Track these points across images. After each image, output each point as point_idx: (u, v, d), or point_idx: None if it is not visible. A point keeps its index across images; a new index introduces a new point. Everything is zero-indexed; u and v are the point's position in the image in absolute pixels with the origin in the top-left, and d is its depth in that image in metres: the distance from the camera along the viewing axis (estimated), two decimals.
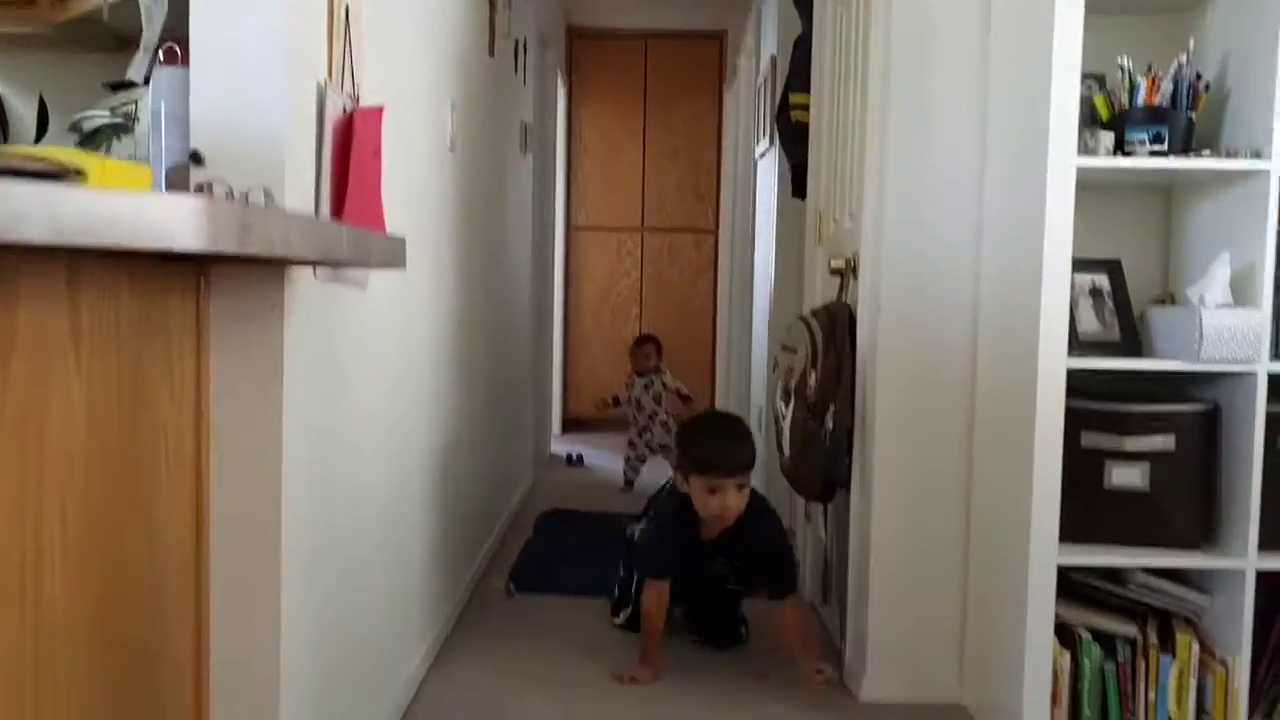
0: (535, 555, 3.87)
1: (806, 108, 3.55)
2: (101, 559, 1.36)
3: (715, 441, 2.75)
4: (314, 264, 1.53)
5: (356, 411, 2.09)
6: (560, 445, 6.35)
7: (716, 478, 2.69)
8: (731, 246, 6.10)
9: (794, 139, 3.74)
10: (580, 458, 5.89)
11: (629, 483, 5.29)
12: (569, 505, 4.74)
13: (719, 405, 6.72)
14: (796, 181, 3.82)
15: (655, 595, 2.81)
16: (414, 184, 2.51)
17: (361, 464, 2.15)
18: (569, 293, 6.99)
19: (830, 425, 2.72)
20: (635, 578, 2.99)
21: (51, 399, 1.25)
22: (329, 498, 1.93)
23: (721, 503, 2.69)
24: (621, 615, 3.09)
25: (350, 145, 1.88)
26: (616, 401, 5.43)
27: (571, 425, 6.90)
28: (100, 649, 1.36)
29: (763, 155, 4.93)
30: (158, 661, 1.53)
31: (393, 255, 1.53)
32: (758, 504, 2.81)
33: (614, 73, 6.98)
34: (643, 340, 5.51)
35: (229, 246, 0.90)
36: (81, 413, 1.32)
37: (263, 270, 1.62)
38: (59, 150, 0.96)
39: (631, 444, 5.33)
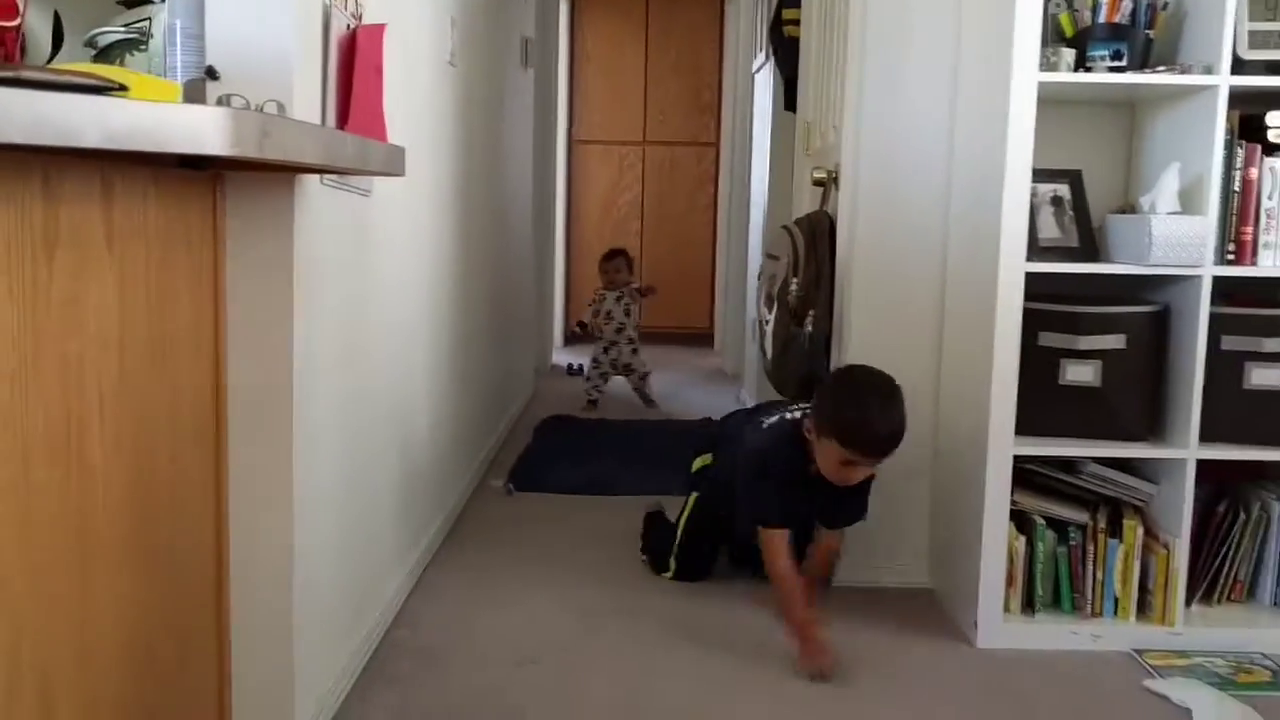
0: (534, 458, 4.07)
1: (799, 23, 3.66)
2: (133, 433, 1.54)
3: (870, 416, 2.38)
4: (321, 171, 1.68)
5: (363, 311, 2.25)
6: (562, 356, 6.53)
7: (857, 455, 2.40)
8: (731, 159, 6.20)
9: (787, 53, 3.84)
10: (581, 367, 6.05)
11: (593, 402, 5.21)
12: (568, 412, 4.93)
13: (716, 316, 6.85)
14: (789, 95, 3.94)
15: (781, 546, 2.51)
16: (415, 98, 2.64)
17: (368, 360, 2.32)
18: (571, 207, 7.11)
19: (809, 329, 2.88)
20: (686, 531, 2.86)
21: (89, 290, 1.41)
22: (337, 388, 2.10)
23: (849, 475, 2.43)
24: (672, 568, 2.88)
25: (354, 61, 2.02)
26: (583, 326, 5.43)
27: (573, 337, 7.07)
28: (132, 506, 1.54)
29: (759, 69, 5.02)
30: (183, 525, 1.71)
31: (393, 162, 1.68)
32: None
33: None
34: (613, 254, 5.40)
35: (250, 151, 1.06)
36: (114, 304, 1.48)
37: (274, 177, 1.77)
38: (105, 68, 1.11)
39: (596, 360, 5.27)
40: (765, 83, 4.77)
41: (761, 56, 4.83)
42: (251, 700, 1.89)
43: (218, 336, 1.79)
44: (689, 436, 4.04)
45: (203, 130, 1.01)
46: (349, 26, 2.01)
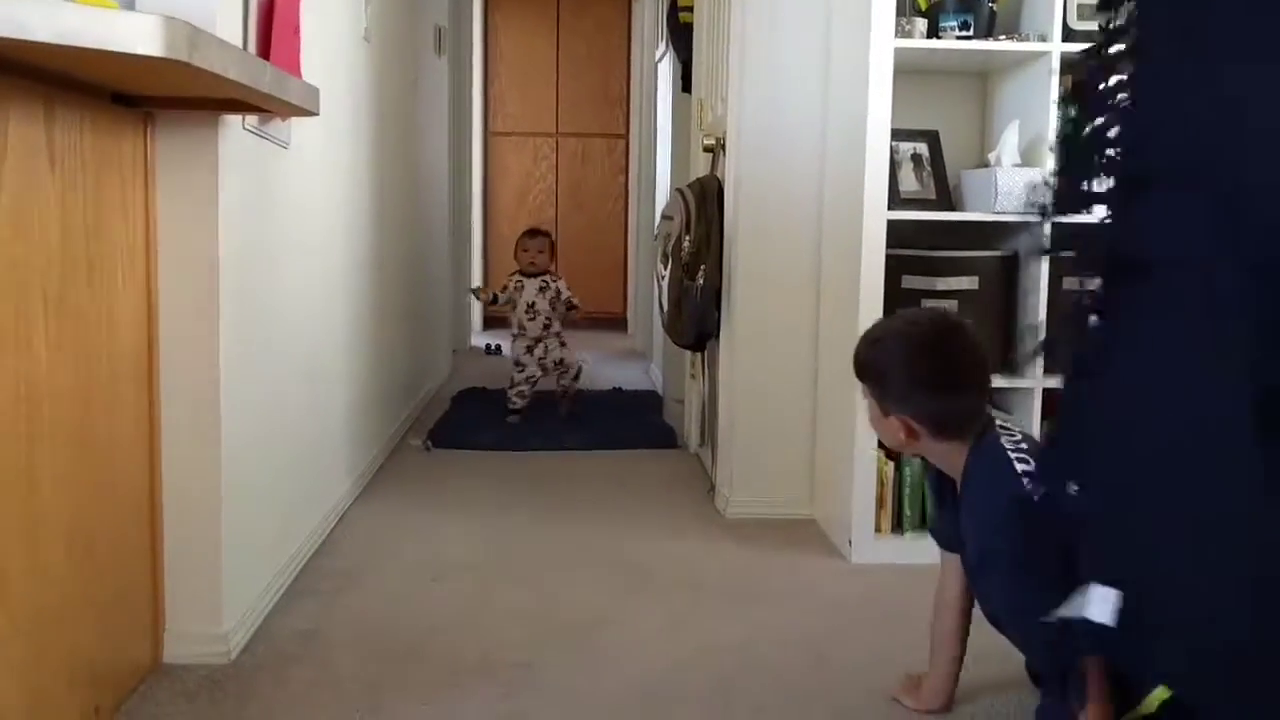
0: (451, 422, 4.26)
1: (692, 9, 3.91)
2: (74, 336, 1.72)
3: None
4: (243, 107, 1.88)
5: (282, 254, 2.44)
6: (480, 338, 6.73)
7: None
8: (639, 149, 6.44)
9: (682, 39, 4.10)
10: (499, 348, 6.26)
11: (517, 411, 4.33)
12: (485, 386, 5.12)
13: (629, 302, 7.06)
14: (685, 78, 4.19)
15: (944, 578, 1.97)
16: (331, 67, 2.83)
17: (289, 306, 2.50)
18: (488, 196, 7.32)
19: (701, 282, 3.12)
20: None
21: (34, 201, 1.60)
22: (260, 327, 2.28)
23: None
24: None
25: (272, 20, 2.22)
26: (494, 299, 4.46)
27: (492, 321, 7.25)
28: (74, 402, 1.72)
29: (661, 58, 5.27)
30: (119, 432, 1.89)
31: (308, 98, 1.88)
32: (985, 453, 1.76)
33: None
34: (534, 233, 4.52)
35: (181, 55, 1.26)
36: (56, 218, 1.67)
37: (200, 116, 1.96)
38: None
39: (519, 363, 4.37)
40: (666, 70, 5.03)
41: (662, 46, 5.08)
42: (184, 604, 2.07)
43: (149, 263, 1.98)
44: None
45: (140, 33, 1.21)
46: None
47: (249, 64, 1.52)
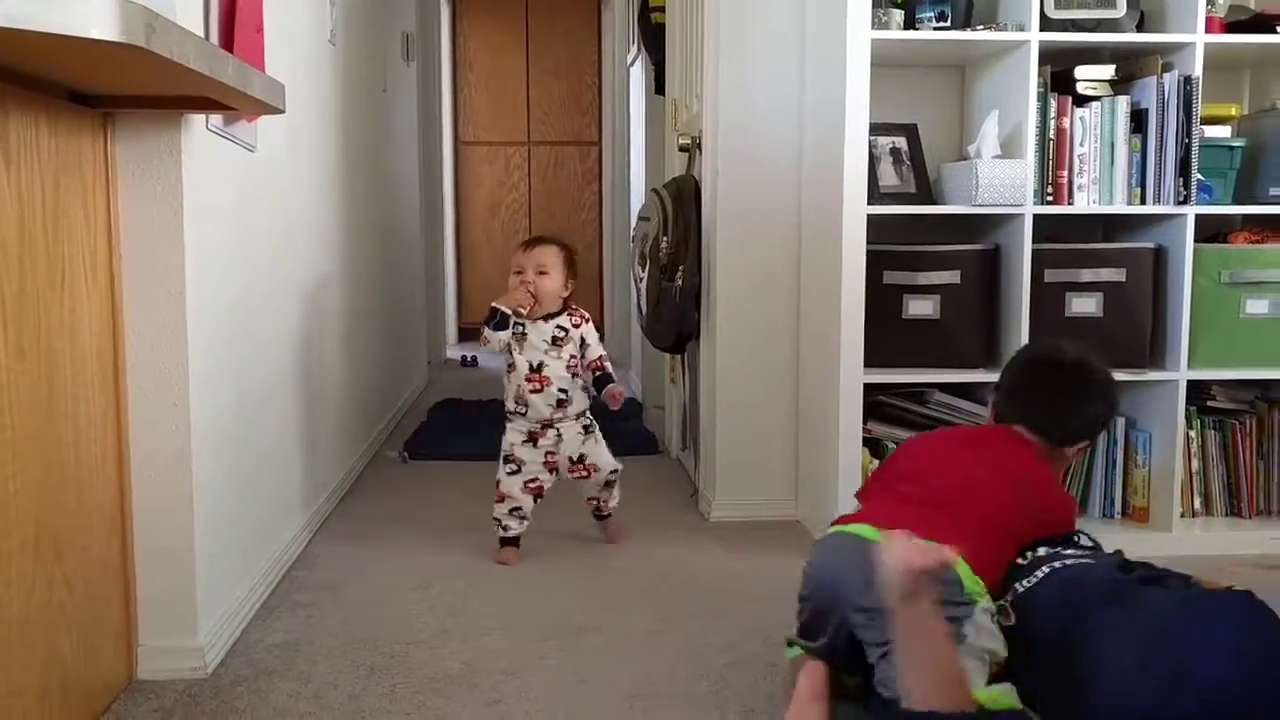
0: (428, 432, 4.20)
1: (664, 9, 3.88)
2: (35, 343, 1.66)
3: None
4: (204, 105, 1.82)
5: (252, 260, 2.38)
6: (456, 351, 6.67)
7: None
8: (612, 156, 6.41)
9: (655, 40, 4.07)
10: (474, 359, 6.23)
11: (512, 539, 2.70)
12: (462, 397, 5.06)
13: (606, 311, 7.02)
14: (659, 80, 4.15)
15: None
16: (296, 71, 2.77)
17: (257, 313, 2.44)
18: (460, 207, 7.27)
19: (680, 283, 3.08)
20: None
21: None
22: (228, 334, 2.21)
23: None
24: None
25: (234, 19, 2.16)
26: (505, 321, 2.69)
27: (466, 334, 7.21)
28: (36, 411, 1.66)
29: (633, 62, 5.24)
30: (85, 440, 1.83)
31: (273, 93, 1.82)
32: None
33: None
34: (535, 243, 2.75)
35: (138, 40, 1.20)
36: (13, 219, 1.60)
37: (160, 117, 1.90)
38: None
39: (511, 459, 2.72)
40: (638, 73, 4.99)
41: (634, 49, 5.05)
42: (157, 617, 2.01)
43: (113, 266, 1.92)
44: None
45: (95, 17, 1.15)
46: None
47: (210, 53, 1.47)
